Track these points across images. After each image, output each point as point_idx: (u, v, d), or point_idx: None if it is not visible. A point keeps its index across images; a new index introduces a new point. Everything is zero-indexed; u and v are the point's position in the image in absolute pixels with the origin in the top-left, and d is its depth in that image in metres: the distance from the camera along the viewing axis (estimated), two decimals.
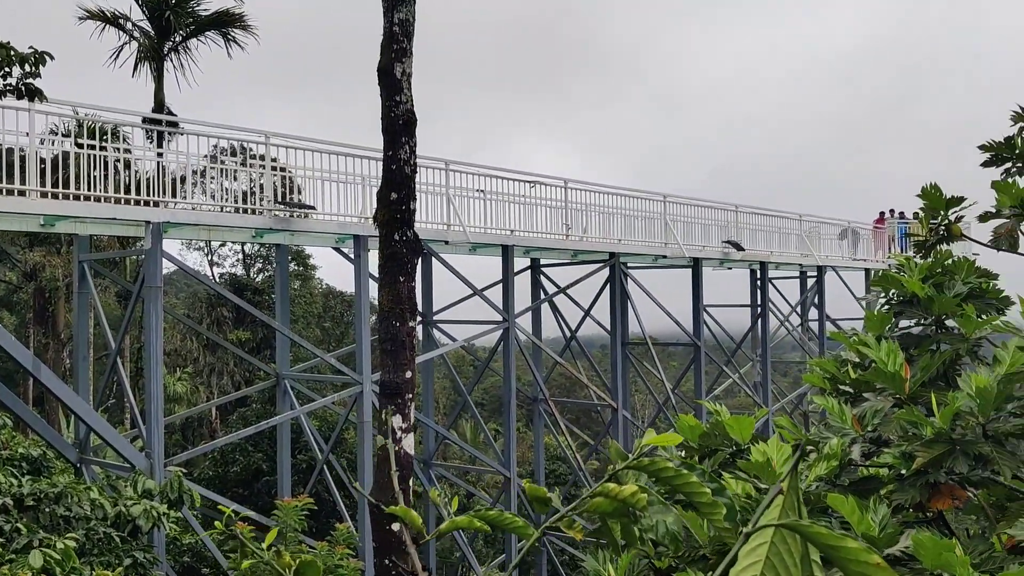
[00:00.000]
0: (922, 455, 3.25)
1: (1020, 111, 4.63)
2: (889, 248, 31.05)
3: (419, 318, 5.89)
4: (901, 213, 31.37)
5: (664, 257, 22.35)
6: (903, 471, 3.39)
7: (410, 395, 4.18)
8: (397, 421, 4.09)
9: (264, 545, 2.23)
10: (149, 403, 12.34)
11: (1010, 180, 4.54)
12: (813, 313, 30.08)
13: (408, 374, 4.17)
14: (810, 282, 29.81)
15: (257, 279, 40.12)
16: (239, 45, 19.20)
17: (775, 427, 4.29)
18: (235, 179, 14.88)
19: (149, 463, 11.83)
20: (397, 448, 3.93)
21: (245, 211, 14.06)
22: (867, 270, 30.71)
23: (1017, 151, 4.61)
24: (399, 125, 4.10)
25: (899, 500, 3.39)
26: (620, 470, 1.54)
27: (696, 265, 23.29)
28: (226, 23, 18.53)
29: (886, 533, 3.03)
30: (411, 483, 4.24)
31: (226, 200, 14.35)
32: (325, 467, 16.97)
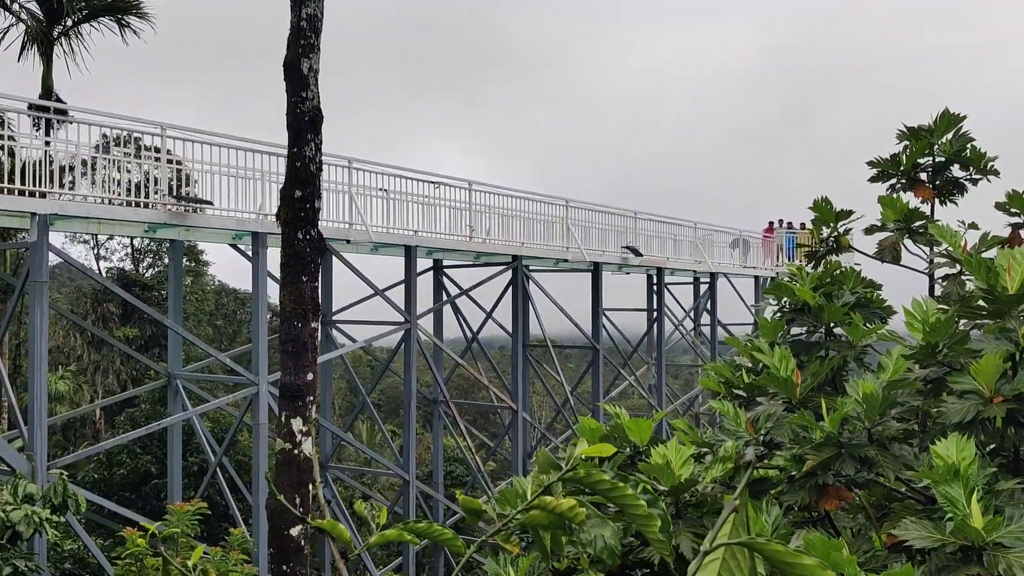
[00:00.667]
0: (812, 458, 3.39)
1: (905, 129, 4.87)
2: (777, 257, 32.28)
3: (320, 318, 5.80)
4: (789, 223, 32.65)
5: (565, 261, 22.63)
6: (794, 473, 3.52)
7: (311, 398, 4.12)
8: (297, 424, 4.02)
9: (191, 562, 2.16)
10: (32, 402, 11.72)
11: (895, 195, 4.78)
12: (705, 318, 30.99)
13: (310, 376, 4.11)
14: (703, 288, 30.69)
15: (146, 275, 38.73)
16: (135, 32, 18.48)
17: (672, 429, 4.40)
18: (127, 171, 14.28)
19: (31, 466, 11.24)
20: (297, 452, 3.86)
21: (138, 204, 13.53)
22: (756, 277, 31.85)
23: (902, 168, 4.84)
24: (305, 121, 4.04)
25: (789, 501, 3.53)
26: (555, 482, 1.55)
27: (596, 269, 23.66)
28: (121, 9, 17.81)
29: (779, 534, 3.15)
30: (311, 488, 4.20)
31: (117, 192, 13.73)
32: (218, 470, 16.48)
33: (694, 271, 29.16)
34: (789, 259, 32.32)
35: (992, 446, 3.46)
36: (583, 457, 1.74)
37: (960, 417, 3.04)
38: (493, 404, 24.11)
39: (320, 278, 4.58)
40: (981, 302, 3.40)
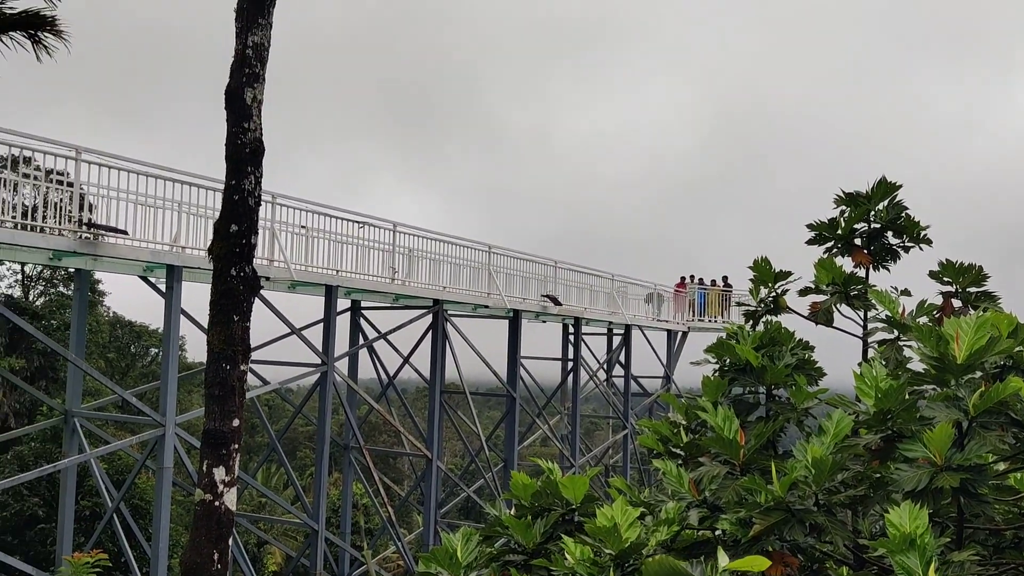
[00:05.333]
0: (760, 522, 3.32)
1: (843, 195, 4.96)
2: (689, 311, 32.89)
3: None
4: (700, 279, 33.39)
5: (486, 307, 22.54)
6: (739, 537, 3.45)
7: (236, 445, 3.87)
8: (220, 474, 3.76)
9: None
10: None
11: (832, 259, 4.84)
12: (617, 370, 31.25)
13: (236, 422, 3.86)
14: (616, 339, 30.99)
15: (37, 303, 37.00)
16: (47, 51, 17.76)
17: (612, 489, 4.30)
18: (16, 192, 13.53)
19: None
20: (219, 504, 3.60)
21: (41, 230, 12.86)
22: (669, 331, 32.35)
23: (839, 232, 4.92)
24: (245, 153, 3.85)
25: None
26: None
27: (515, 316, 23.64)
28: (35, 24, 17.10)
29: None
30: (230, 541, 3.93)
31: (13, 216, 12.96)
32: (114, 516, 15.58)
33: (609, 322, 29.43)
34: (700, 314, 32.97)
35: (930, 512, 3.47)
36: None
37: (913, 485, 3.02)
38: (404, 451, 23.65)
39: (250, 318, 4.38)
40: (927, 369, 3.42)
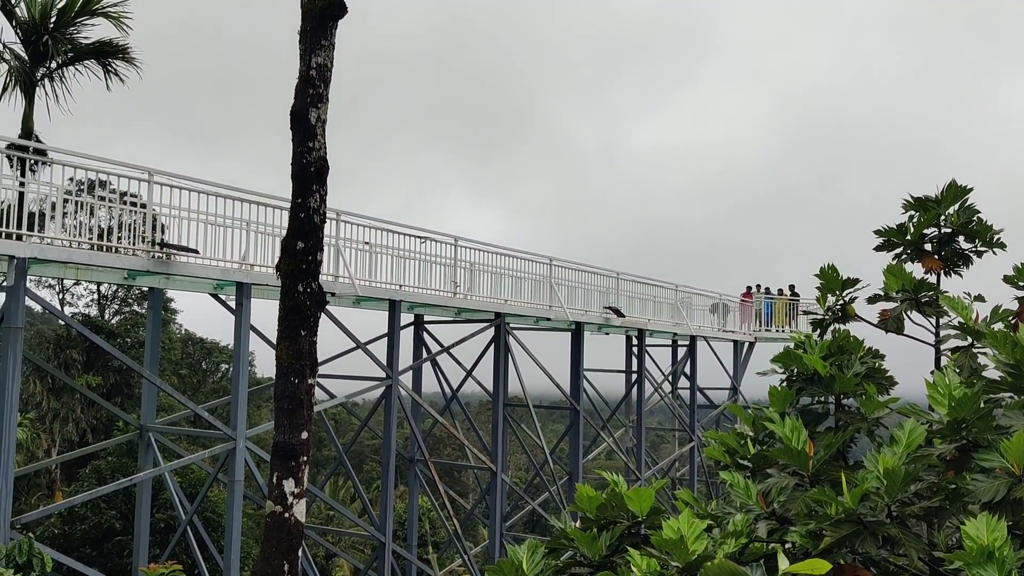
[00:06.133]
0: (830, 535, 3.26)
1: (911, 200, 4.85)
2: (756, 321, 32.38)
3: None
4: (767, 288, 32.85)
5: (547, 319, 22.54)
6: (809, 550, 3.39)
7: (305, 457, 3.94)
8: (290, 486, 3.83)
9: None
10: None
11: (901, 265, 4.74)
12: (683, 381, 30.90)
13: (304, 435, 3.93)
14: (681, 351, 30.65)
15: (112, 321, 38.21)
16: (119, 77, 18.41)
17: (677, 501, 4.26)
18: (92, 215, 14.03)
19: None
20: (288, 516, 3.67)
21: (112, 250, 13.30)
22: (735, 342, 31.88)
23: (908, 238, 4.81)
24: (310, 172, 3.94)
25: None
26: None
27: (578, 329, 23.58)
28: (107, 53, 17.74)
29: None
30: (299, 552, 4.00)
31: (89, 237, 13.46)
32: (188, 528, 15.97)
33: (673, 333, 29.15)
34: (768, 324, 32.44)
35: (1009, 524, 3.36)
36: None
37: (990, 496, 2.94)
38: (469, 463, 23.74)
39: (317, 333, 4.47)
40: (1004, 376, 3.33)
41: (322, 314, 16.40)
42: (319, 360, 17.11)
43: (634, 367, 27.18)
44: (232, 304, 14.75)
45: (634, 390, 27.16)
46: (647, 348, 27.76)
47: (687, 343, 30.00)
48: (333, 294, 15.76)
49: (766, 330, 32.35)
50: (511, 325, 22.12)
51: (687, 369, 30.21)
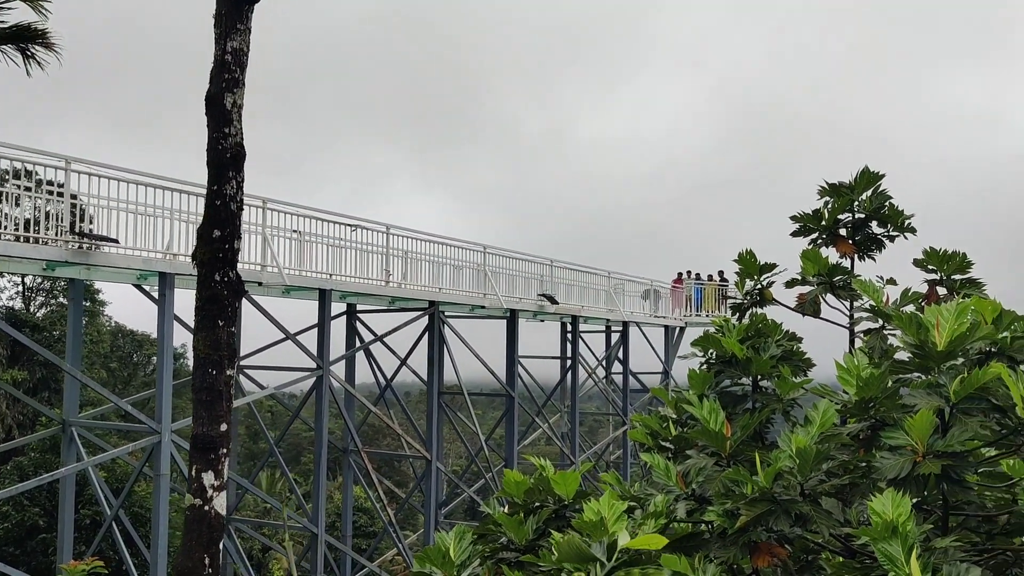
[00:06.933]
0: (746, 513, 3.33)
1: (826, 186, 4.97)
2: (686, 307, 32.93)
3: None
4: (697, 275, 33.41)
5: (482, 307, 22.54)
6: (726, 528, 3.45)
7: (225, 450, 3.87)
8: (209, 478, 3.76)
9: None
10: None
11: (817, 250, 4.85)
12: (616, 366, 31.29)
13: (224, 427, 3.86)
14: (614, 337, 31.01)
15: (38, 314, 37.00)
16: (39, 64, 17.75)
17: (602, 483, 4.31)
18: (16, 205, 13.55)
19: None
20: (208, 508, 3.60)
21: (35, 241, 12.86)
22: (666, 327, 32.37)
23: (823, 223, 4.92)
24: (226, 158, 3.86)
25: (721, 558, 3.45)
26: None
27: (513, 316, 23.64)
28: (26, 38, 17.07)
29: None
30: (221, 545, 3.93)
31: (5, 227, 12.98)
32: (113, 523, 15.57)
33: (607, 319, 29.45)
34: (697, 309, 33.00)
35: (915, 500, 3.48)
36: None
37: (896, 473, 3.03)
38: (404, 453, 23.66)
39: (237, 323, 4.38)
40: (911, 357, 3.43)
41: (251, 305, 16.09)
42: (250, 351, 16.79)
43: (569, 353, 27.41)
44: (156, 295, 14.40)
45: (569, 376, 27.38)
46: (581, 334, 28.00)
47: (620, 329, 30.35)
48: (260, 283, 15.50)
49: (696, 315, 32.91)
50: (446, 313, 22.07)
51: (620, 354, 30.59)
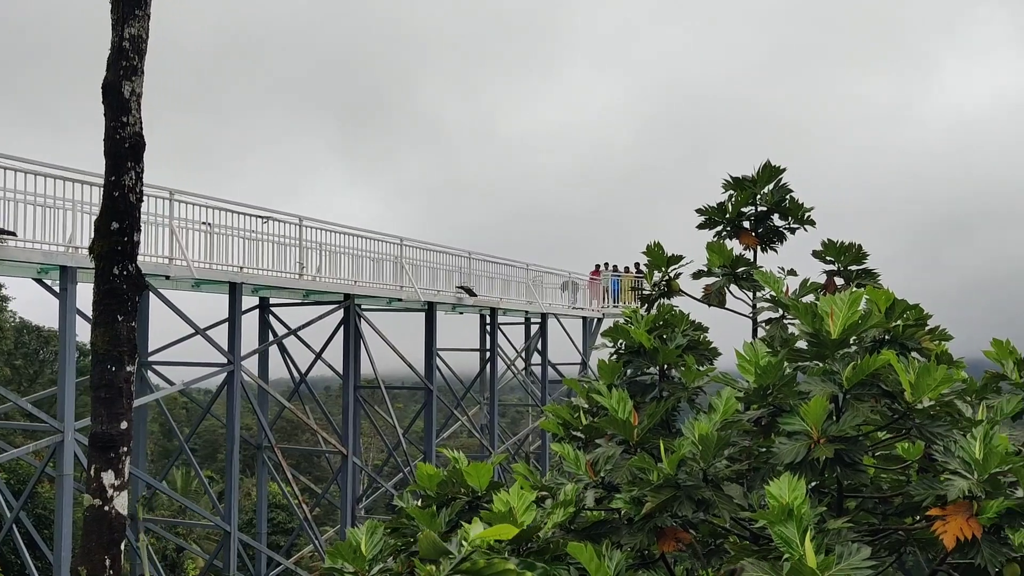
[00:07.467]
0: (652, 500, 3.39)
1: (730, 180, 5.09)
2: (604, 299, 33.36)
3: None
4: (615, 267, 33.87)
5: (399, 300, 22.39)
6: (633, 516, 3.52)
7: (125, 448, 3.75)
8: (109, 478, 3.65)
9: None
10: None
11: (721, 242, 4.97)
12: (535, 358, 31.49)
13: (124, 424, 3.74)
14: (533, 328, 31.21)
15: None
16: None
17: (513, 473, 4.33)
18: None
19: None
20: (108, 509, 3.49)
21: None
22: (584, 318, 32.75)
23: (727, 216, 5.04)
24: (125, 148, 3.73)
25: (629, 544, 3.52)
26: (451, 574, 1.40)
27: (430, 309, 23.56)
28: None
29: None
30: (122, 546, 3.81)
31: None
32: (14, 526, 14.95)
33: (525, 312, 29.61)
34: (615, 301, 33.47)
35: (814, 483, 3.60)
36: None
37: (792, 457, 3.13)
38: (321, 448, 23.35)
39: (137, 317, 4.24)
40: (804, 345, 3.55)
41: (160, 299, 15.56)
42: (158, 347, 16.26)
43: (488, 345, 27.47)
44: (57, 289, 13.86)
45: (488, 368, 27.45)
46: (500, 326, 28.10)
47: (539, 321, 30.56)
48: (167, 277, 15.07)
49: (614, 306, 33.37)
50: (363, 307, 21.85)
51: (539, 346, 30.80)
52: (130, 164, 3.73)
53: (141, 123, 3.91)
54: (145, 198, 13.88)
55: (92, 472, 3.65)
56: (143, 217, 14.94)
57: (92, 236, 3.80)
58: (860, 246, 4.78)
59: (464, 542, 2.15)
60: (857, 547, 2.76)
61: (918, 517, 3.49)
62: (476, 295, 24.76)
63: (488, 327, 27.52)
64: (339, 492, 22.15)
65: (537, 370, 31.26)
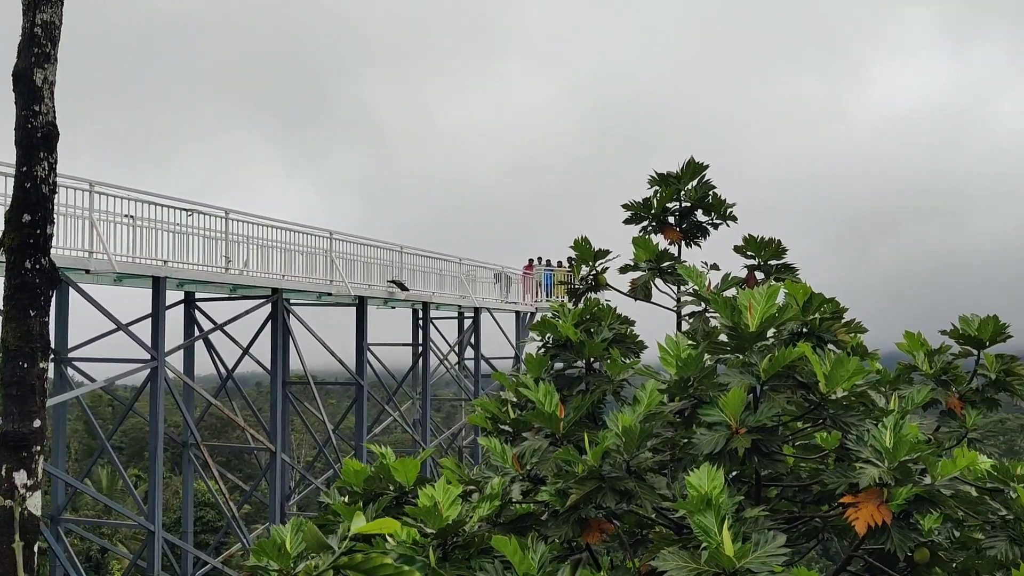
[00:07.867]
0: (576, 492, 3.43)
1: (656, 175, 5.16)
2: (537, 293, 33.56)
3: (51, 357, 5.16)
4: (548, 261, 34.10)
5: (329, 295, 22.14)
6: (557, 508, 3.56)
7: (38, 447, 3.64)
8: (21, 478, 3.53)
9: None
10: None
11: (647, 237, 5.04)
12: (469, 352, 31.52)
13: (37, 423, 3.62)
14: (467, 323, 31.22)
15: None
16: None
17: (440, 468, 4.32)
18: None
19: None
20: (22, 510, 3.38)
21: None
22: (517, 312, 32.89)
23: (653, 211, 5.12)
24: (37, 138, 3.60)
25: (554, 536, 3.55)
26: (326, 570, 1.40)
27: (361, 303, 23.35)
28: None
29: (545, 572, 3.15)
30: (36, 548, 3.69)
31: None
32: None
33: (459, 306, 29.59)
34: (548, 295, 33.68)
35: (734, 473, 3.69)
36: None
37: (711, 448, 3.20)
38: (249, 445, 22.98)
39: (52, 312, 4.08)
40: (725, 337, 3.63)
41: (80, 294, 15.04)
42: (79, 343, 15.73)
43: (420, 340, 27.37)
44: None
45: (420, 362, 27.36)
46: (433, 321, 28.01)
47: (472, 315, 30.57)
48: (88, 271, 14.62)
49: (547, 300, 33.58)
50: (292, 301, 21.54)
51: (472, 340, 30.82)
52: (43, 154, 3.60)
53: (54, 112, 3.79)
54: (63, 190, 13.49)
55: (3, 472, 3.53)
56: (61, 209, 14.47)
57: (3, 229, 3.68)
58: (780, 241, 4.89)
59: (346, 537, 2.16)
60: (773, 535, 2.83)
61: (834, 504, 3.59)
62: (408, 289, 24.65)
63: (421, 322, 27.41)
64: (268, 490, 21.84)
65: (471, 364, 31.28)
